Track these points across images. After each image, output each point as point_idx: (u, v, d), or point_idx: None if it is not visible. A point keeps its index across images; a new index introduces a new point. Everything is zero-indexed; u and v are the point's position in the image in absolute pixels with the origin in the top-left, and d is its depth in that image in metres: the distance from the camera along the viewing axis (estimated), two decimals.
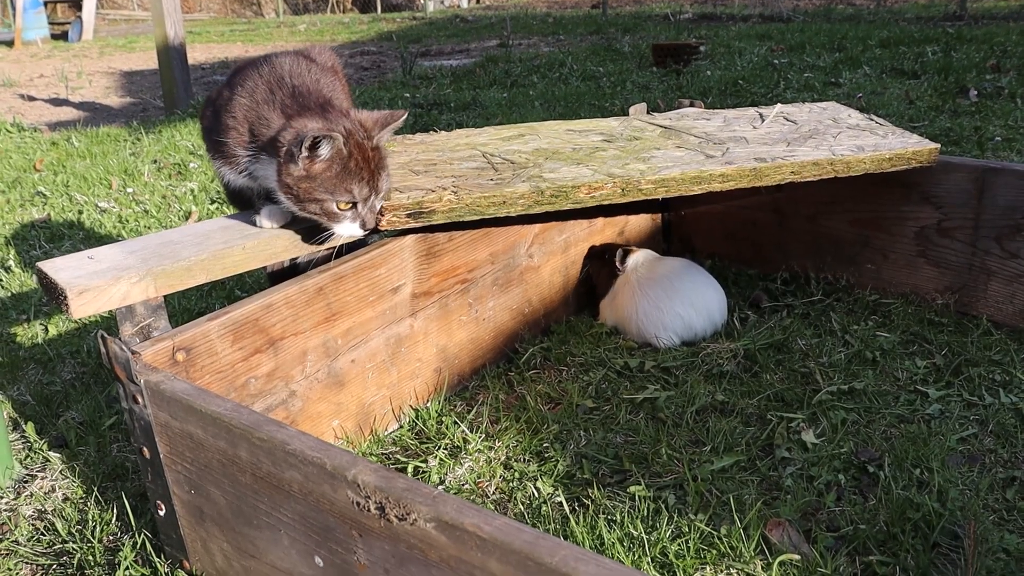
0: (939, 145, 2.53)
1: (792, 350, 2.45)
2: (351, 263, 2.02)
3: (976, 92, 5.52)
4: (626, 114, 3.04)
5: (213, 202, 4.36)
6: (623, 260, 2.66)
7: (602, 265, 2.72)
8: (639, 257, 2.68)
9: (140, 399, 1.61)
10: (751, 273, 2.98)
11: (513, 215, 2.07)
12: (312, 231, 1.99)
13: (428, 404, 2.30)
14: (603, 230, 2.82)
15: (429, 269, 2.23)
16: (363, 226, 1.92)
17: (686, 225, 3.12)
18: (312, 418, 2.01)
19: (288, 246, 1.97)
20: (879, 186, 2.65)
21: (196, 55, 12.11)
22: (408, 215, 1.98)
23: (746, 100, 5.81)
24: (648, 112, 2.96)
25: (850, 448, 2.02)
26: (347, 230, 1.92)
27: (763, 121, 2.72)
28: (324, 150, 1.83)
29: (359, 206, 1.90)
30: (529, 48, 10.18)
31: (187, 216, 4.15)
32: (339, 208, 1.88)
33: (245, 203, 2.12)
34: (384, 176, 1.93)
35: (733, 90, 6.18)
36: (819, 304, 2.73)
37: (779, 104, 2.94)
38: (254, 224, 2.01)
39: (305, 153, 1.82)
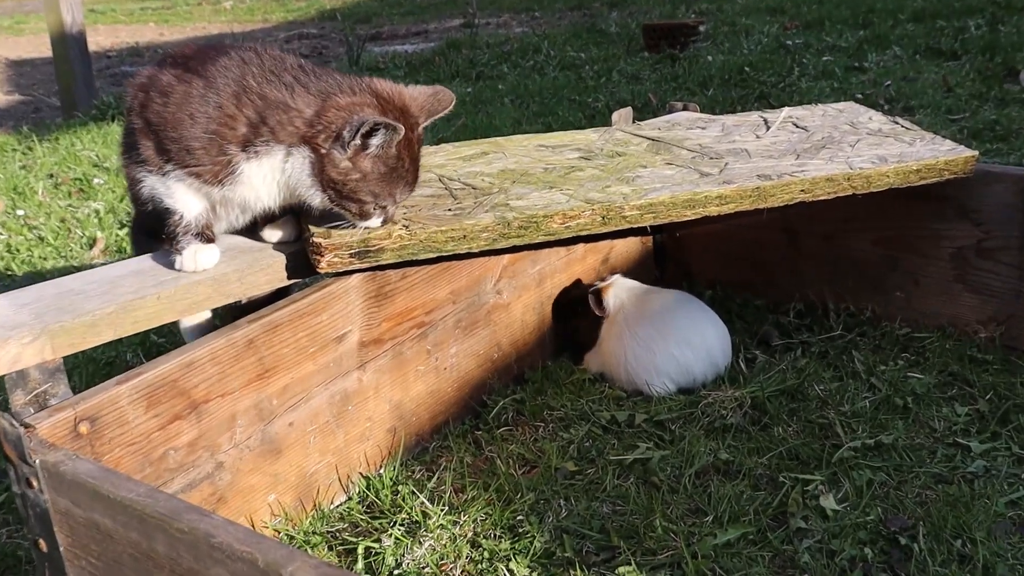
0: (976, 153, 2.57)
1: (808, 397, 2.50)
2: (287, 309, 2.06)
3: None
4: (612, 113, 3.10)
5: (123, 226, 4.38)
6: (600, 304, 2.70)
7: (577, 315, 2.77)
8: (621, 292, 2.71)
9: (35, 483, 1.64)
10: (759, 304, 3.04)
11: (476, 251, 2.11)
12: (242, 272, 2.03)
13: (381, 471, 2.33)
14: (584, 258, 2.88)
15: (379, 313, 2.27)
16: (386, 221, 2.06)
17: (682, 248, 3.18)
18: (244, 493, 2.04)
19: (211, 294, 2.00)
20: (907, 199, 2.68)
21: (100, 39, 12.11)
22: (352, 255, 2.02)
23: (753, 92, 5.89)
24: (634, 120, 3.02)
25: (878, 515, 2.06)
26: (370, 223, 2.04)
27: (768, 129, 2.78)
28: (377, 140, 1.91)
29: (389, 207, 2.04)
30: (499, 28, 10.27)
31: (92, 244, 4.17)
32: (374, 209, 2.01)
33: (153, 240, 2.14)
34: (419, 168, 2.06)
35: (738, 79, 6.26)
36: (839, 340, 2.79)
37: (787, 107, 3.01)
38: (172, 267, 2.04)
39: (357, 142, 1.89)
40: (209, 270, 2.01)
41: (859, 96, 5.49)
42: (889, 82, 5.80)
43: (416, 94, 2.04)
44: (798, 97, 5.62)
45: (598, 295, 2.71)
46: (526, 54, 8.04)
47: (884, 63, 6.38)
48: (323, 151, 1.92)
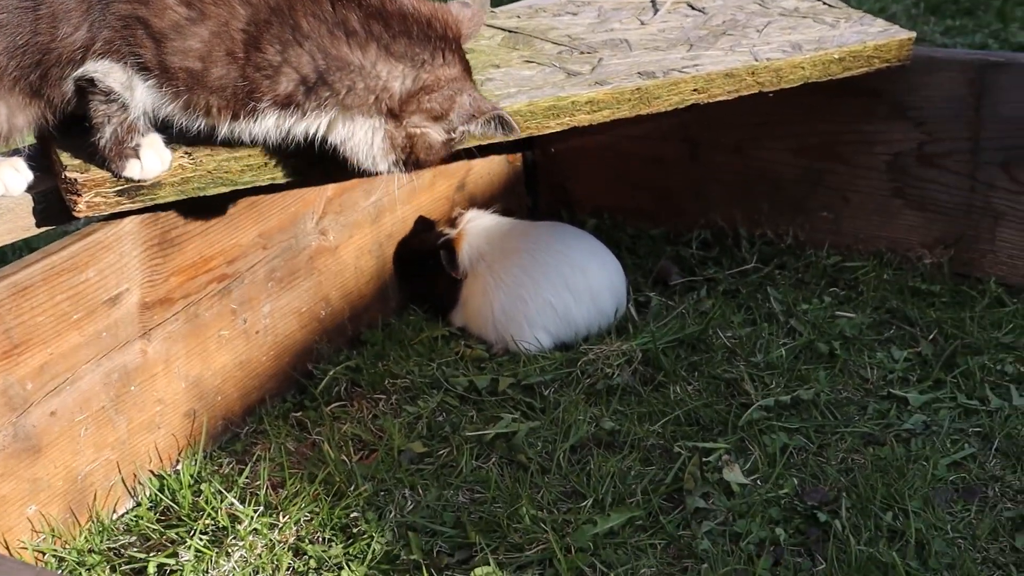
0: (913, 34, 2.61)
1: (712, 347, 2.57)
2: (38, 266, 2.03)
3: None
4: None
5: None
6: (452, 262, 2.74)
7: (428, 271, 2.79)
8: (478, 239, 2.75)
9: None
10: (654, 234, 3.10)
11: (283, 182, 2.13)
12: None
13: (178, 467, 2.35)
14: (432, 185, 2.90)
15: (166, 265, 2.27)
16: None
17: (558, 168, 3.22)
18: None
19: (11, 229, 1.99)
20: (832, 97, 2.74)
21: None
22: (118, 193, 2.02)
23: None
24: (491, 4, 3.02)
25: (793, 488, 2.14)
26: None
27: (656, 12, 2.82)
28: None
29: None
30: None
31: None
32: None
33: None
34: None
35: None
36: (753, 275, 2.86)
37: None
38: None
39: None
40: None
41: None
42: None
43: (460, 19, 2.13)
44: None
45: (450, 251, 2.74)
46: None
47: None
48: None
